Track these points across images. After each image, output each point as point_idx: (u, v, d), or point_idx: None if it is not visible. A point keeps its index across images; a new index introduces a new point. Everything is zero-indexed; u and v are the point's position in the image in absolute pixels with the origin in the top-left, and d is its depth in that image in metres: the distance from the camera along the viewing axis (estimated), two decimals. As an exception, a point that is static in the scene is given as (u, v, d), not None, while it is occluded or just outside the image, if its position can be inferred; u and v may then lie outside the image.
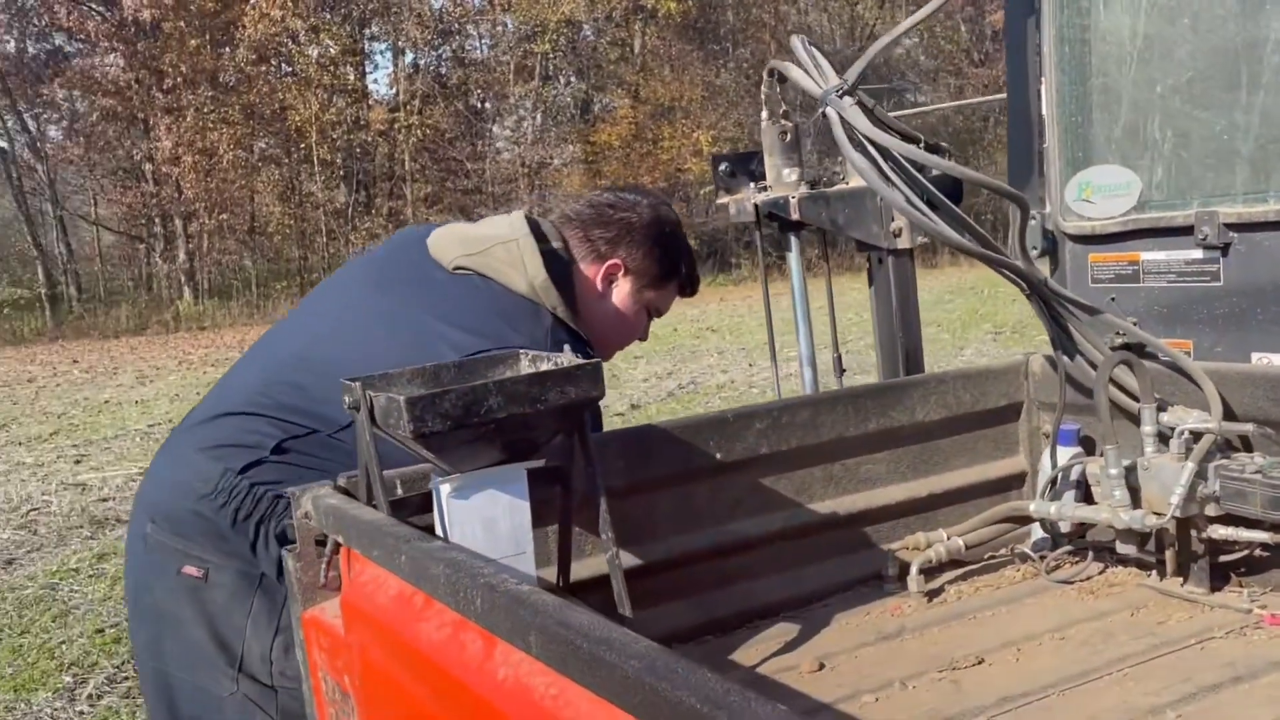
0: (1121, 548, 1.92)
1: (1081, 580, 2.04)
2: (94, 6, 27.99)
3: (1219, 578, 1.91)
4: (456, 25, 30.18)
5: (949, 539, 2.09)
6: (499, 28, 29.44)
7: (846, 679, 1.75)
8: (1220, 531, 1.83)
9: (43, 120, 30.57)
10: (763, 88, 2.38)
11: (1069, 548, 2.10)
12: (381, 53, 31.50)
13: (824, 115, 1.97)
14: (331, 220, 27.98)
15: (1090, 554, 2.08)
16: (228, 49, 27.50)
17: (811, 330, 2.55)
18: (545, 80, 28.57)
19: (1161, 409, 1.92)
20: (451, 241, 2.16)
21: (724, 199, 2.55)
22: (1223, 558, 1.90)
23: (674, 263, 2.32)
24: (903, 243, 2.29)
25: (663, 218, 2.31)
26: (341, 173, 28.39)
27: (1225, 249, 2.01)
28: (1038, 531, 2.16)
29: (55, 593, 5.50)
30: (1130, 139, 2.12)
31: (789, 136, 2.43)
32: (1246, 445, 1.87)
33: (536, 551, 1.80)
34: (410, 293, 2.11)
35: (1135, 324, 2.14)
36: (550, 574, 1.79)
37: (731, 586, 2.01)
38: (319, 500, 1.60)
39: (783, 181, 2.41)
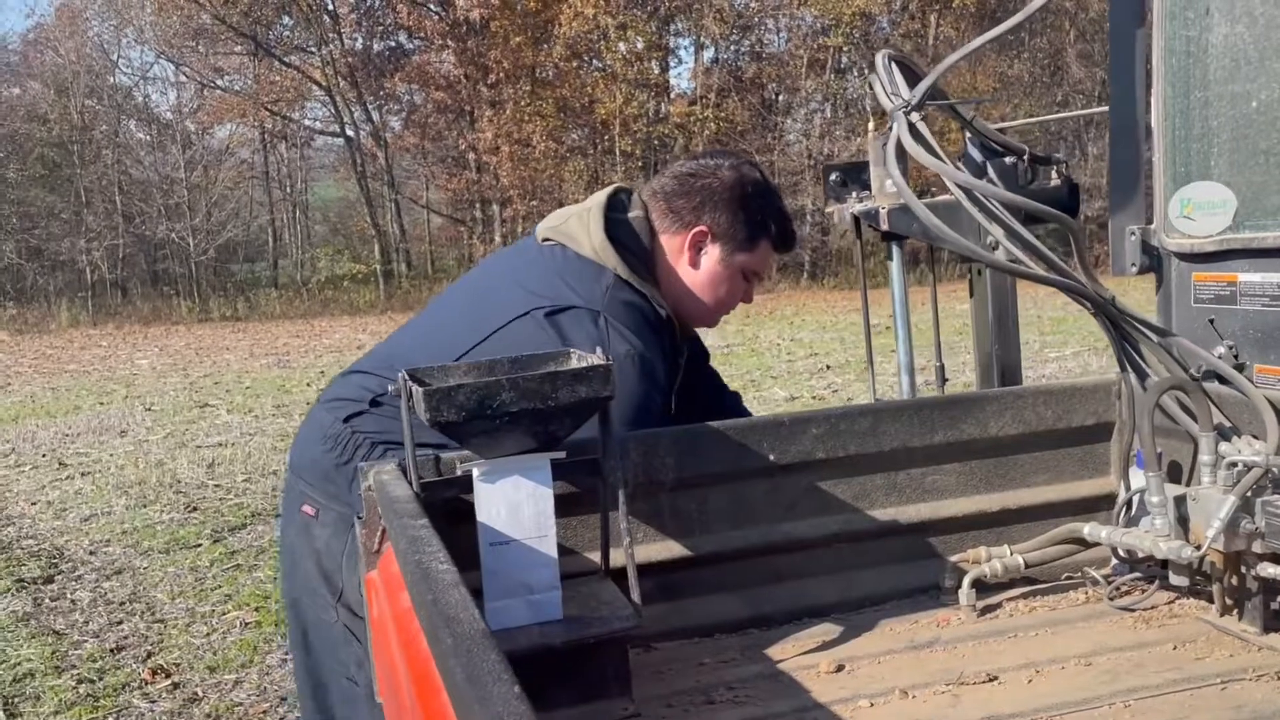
0: (1174, 578, 1.87)
1: (1145, 609, 1.99)
2: (431, 6, 30.25)
3: (1277, 617, 1.82)
4: (756, 20, 30.49)
5: (1010, 555, 2.08)
6: (796, 22, 29.48)
7: (856, 683, 1.81)
8: (1269, 570, 1.75)
9: (384, 111, 33.35)
10: (868, 100, 2.42)
11: (1137, 575, 2.05)
12: (685, 48, 32.17)
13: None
14: (629, 209, 28.99)
15: (1156, 583, 2.02)
16: (545, 45, 29.03)
17: (911, 338, 2.56)
18: (837, 73, 28.35)
19: (1225, 438, 1.85)
20: (550, 219, 2.39)
21: (831, 207, 2.60)
22: (1283, 598, 1.81)
23: (761, 221, 2.34)
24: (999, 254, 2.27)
25: (745, 177, 2.33)
26: (640, 164, 29.36)
27: (1317, 273, 1.90)
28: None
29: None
30: (1229, 155, 2.03)
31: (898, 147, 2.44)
32: (1315, 483, 1.77)
33: (583, 538, 1.99)
34: (505, 264, 2.37)
35: (1231, 347, 2.06)
36: (597, 558, 1.96)
37: (782, 584, 2.09)
38: (377, 475, 1.85)
39: (884, 192, 2.44)
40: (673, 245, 2.34)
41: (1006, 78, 28.25)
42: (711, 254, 2.34)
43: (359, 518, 1.86)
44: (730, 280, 2.37)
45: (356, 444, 2.19)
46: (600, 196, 2.32)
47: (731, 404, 2.65)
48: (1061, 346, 12.79)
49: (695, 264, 2.34)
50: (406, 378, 1.77)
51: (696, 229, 2.32)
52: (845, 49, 28.55)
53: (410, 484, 1.76)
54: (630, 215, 2.31)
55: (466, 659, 1.00)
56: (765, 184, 2.38)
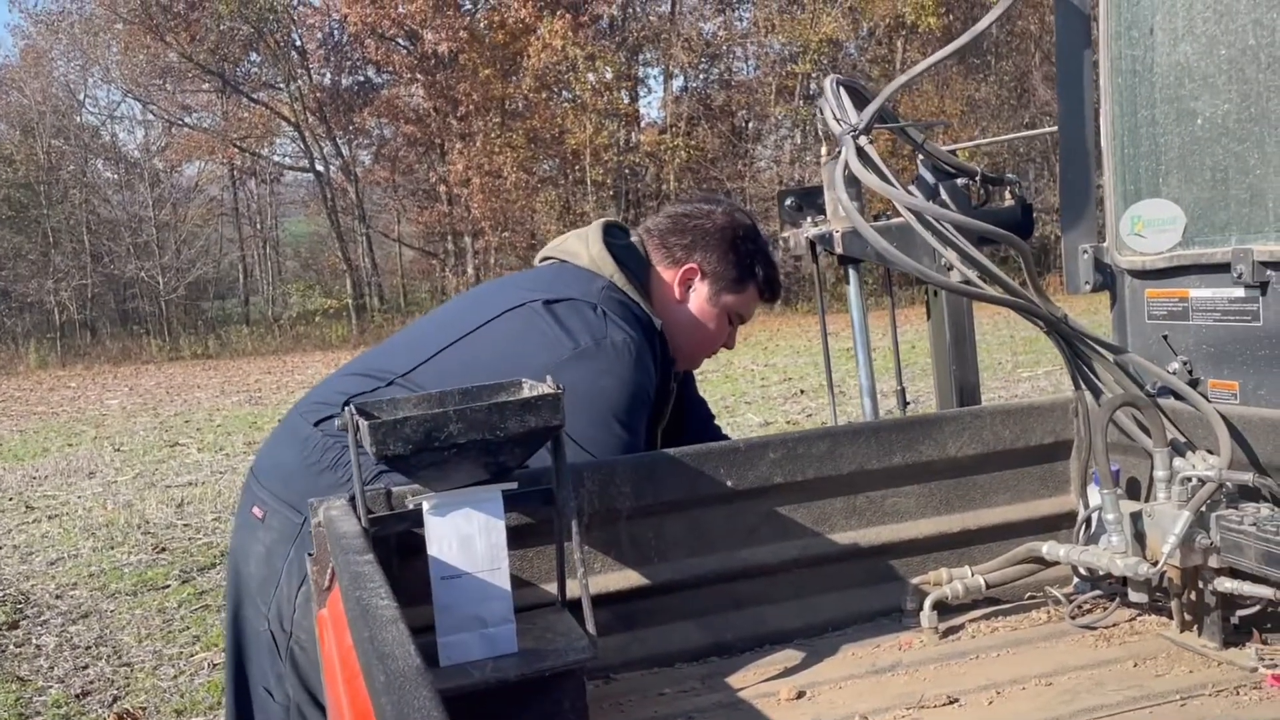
0: (1133, 595, 1.87)
1: (1106, 627, 1.98)
2: (399, 41, 30.33)
3: (1236, 632, 1.81)
4: (724, 48, 30.75)
5: (971, 576, 2.07)
6: (764, 49, 29.77)
7: (817, 709, 1.79)
8: (1226, 584, 1.75)
9: (354, 145, 33.37)
10: (818, 125, 2.43)
11: (1098, 593, 2.04)
12: (654, 77, 32.42)
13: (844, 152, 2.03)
14: (601, 238, 29.13)
15: (1117, 600, 2.01)
16: (514, 78, 29.13)
17: (871, 362, 2.56)
18: (806, 100, 28.60)
19: (1180, 454, 1.85)
20: (547, 246, 2.45)
21: (788, 232, 2.61)
22: (1241, 612, 1.81)
23: (749, 265, 2.40)
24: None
25: (737, 222, 2.42)
26: (611, 193, 29.45)
27: (1264, 287, 1.90)
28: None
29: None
30: (1177, 172, 2.04)
31: (847, 171, 2.45)
32: (1271, 497, 1.77)
33: (539, 569, 1.96)
34: (501, 280, 2.45)
35: (1185, 363, 2.06)
36: (553, 589, 1.93)
37: (742, 611, 2.08)
38: (326, 510, 1.82)
39: (838, 215, 2.45)
40: (664, 280, 2.39)
41: (974, 100, 28.59)
42: (700, 291, 2.39)
43: (309, 555, 1.83)
44: (716, 320, 2.42)
45: (326, 446, 2.16)
46: (599, 222, 2.39)
47: (717, 437, 2.65)
48: (1034, 366, 12.87)
49: (684, 300, 2.39)
50: (353, 411, 1.75)
51: (687, 266, 2.38)
52: (814, 75, 28.81)
53: (359, 519, 1.73)
54: (629, 240, 2.37)
55: (398, 696, 0.98)
56: (755, 231, 2.45)
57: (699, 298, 2.39)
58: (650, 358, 2.22)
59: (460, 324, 2.25)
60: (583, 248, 2.33)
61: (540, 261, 2.44)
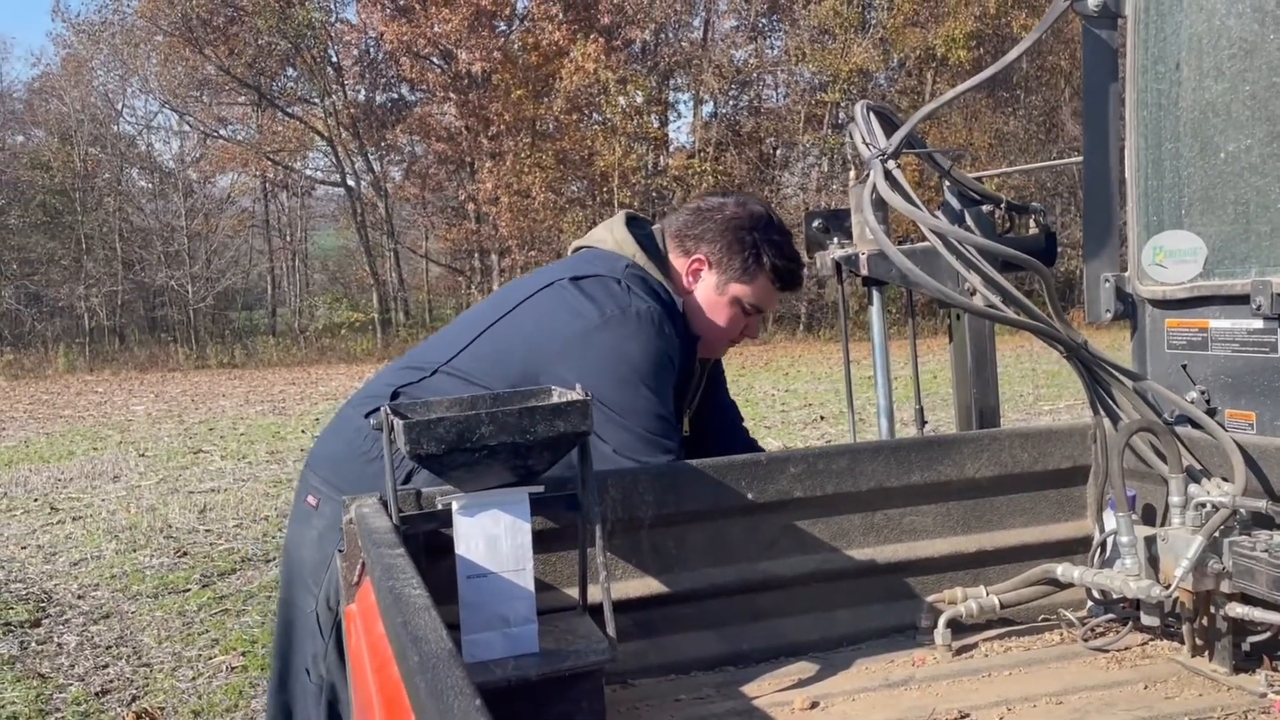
0: (1145, 619, 1.89)
1: (1118, 650, 2.01)
2: (434, 59, 30.61)
3: (1248, 658, 1.84)
4: (754, 75, 30.89)
5: (986, 595, 2.10)
6: (794, 78, 29.89)
7: (828, 719, 1.83)
8: (1238, 610, 1.77)
9: (385, 161, 33.65)
10: (848, 149, 2.48)
11: (1111, 616, 2.07)
12: (684, 102, 32.59)
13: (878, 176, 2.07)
14: (626, 259, 29.28)
15: (1130, 624, 2.03)
16: (546, 99, 29.35)
17: (890, 383, 2.60)
18: (834, 128, 28.68)
19: (1196, 480, 1.88)
20: (580, 239, 2.55)
21: (814, 254, 2.65)
22: (1252, 638, 1.83)
23: (756, 254, 2.42)
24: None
25: (749, 213, 2.46)
26: (638, 215, 29.61)
27: (1282, 319, 1.94)
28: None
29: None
30: (1200, 205, 2.08)
31: (875, 195, 2.50)
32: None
33: (562, 573, 2.01)
34: (539, 270, 2.51)
35: (1203, 392, 2.09)
36: (575, 593, 1.97)
37: (759, 622, 2.11)
38: (358, 508, 1.87)
39: (864, 238, 2.49)
40: (677, 271, 2.45)
41: (1002, 134, 28.59)
42: (707, 282, 2.44)
43: (339, 550, 1.88)
44: (725, 310, 2.46)
45: (375, 437, 2.22)
46: (621, 213, 2.49)
47: (744, 440, 2.72)
48: (1055, 400, 12.84)
49: (693, 290, 2.45)
50: (389, 411, 1.80)
51: (695, 256, 2.44)
52: (843, 104, 28.89)
53: (390, 517, 1.78)
54: (649, 230, 2.46)
55: (431, 676, 1.02)
56: (768, 220, 2.47)
57: (706, 287, 2.44)
58: (673, 328, 2.28)
59: (495, 310, 2.35)
60: (608, 234, 2.43)
61: (572, 252, 2.54)
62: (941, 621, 2.06)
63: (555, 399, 1.88)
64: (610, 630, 1.79)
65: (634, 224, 2.47)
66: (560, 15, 28.74)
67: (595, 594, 1.92)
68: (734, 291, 2.44)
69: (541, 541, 1.89)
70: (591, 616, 1.89)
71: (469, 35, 28.50)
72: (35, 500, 9.32)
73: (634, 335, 2.19)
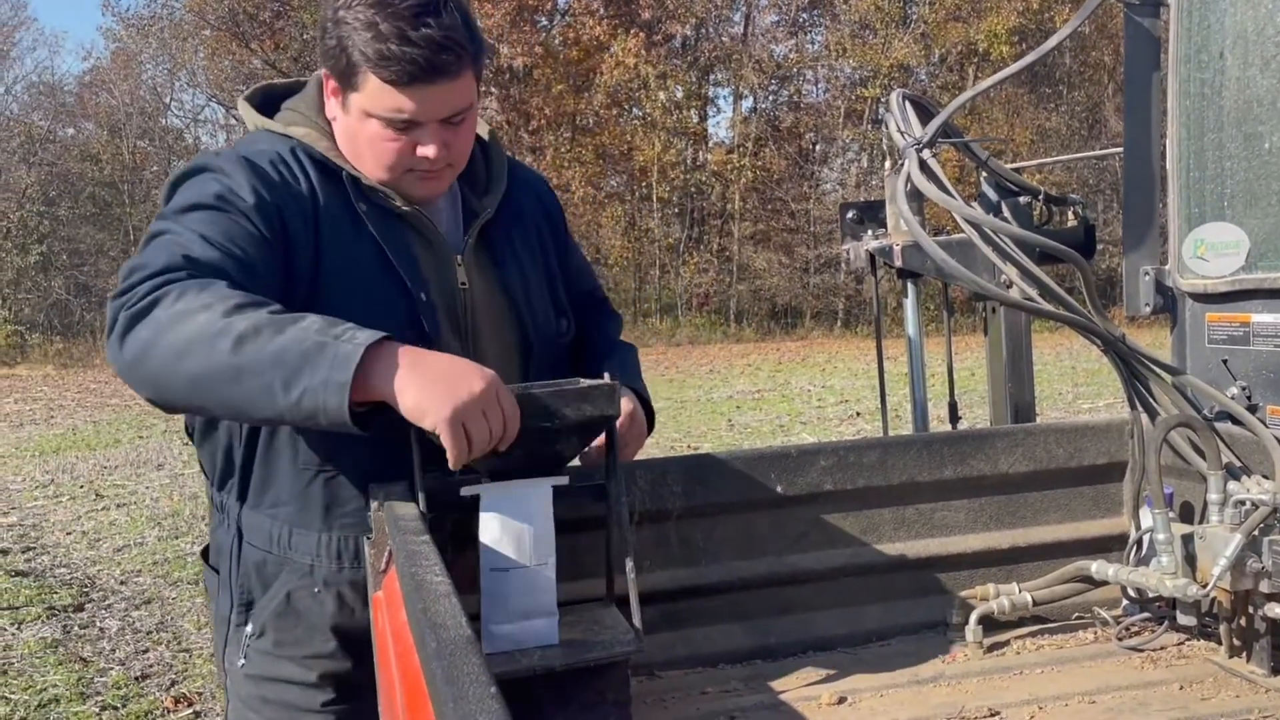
0: (1182, 618, 1.86)
1: (1153, 649, 1.97)
2: (476, 54, 30.62)
3: (1288, 659, 1.80)
4: (794, 70, 30.74)
5: (1019, 592, 2.07)
6: (834, 73, 29.72)
7: (857, 715, 1.81)
8: (1276, 610, 1.73)
9: (427, 156, 33.70)
10: (884, 139, 2.45)
11: (1147, 615, 2.03)
12: (724, 97, 32.46)
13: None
14: (665, 255, 29.21)
15: (1166, 623, 2.00)
16: (586, 94, 29.38)
17: (924, 375, 2.57)
18: (874, 124, 28.47)
19: (1235, 477, 1.84)
20: None
21: (848, 244, 2.62)
22: (1293, 639, 1.79)
23: (342, 49, 1.83)
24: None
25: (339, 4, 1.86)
26: (677, 210, 29.54)
27: (1327, 314, 1.89)
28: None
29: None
30: (1242, 197, 2.04)
31: (909, 185, 2.46)
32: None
33: (588, 564, 2.00)
34: None
35: (1244, 388, 2.05)
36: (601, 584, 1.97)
37: (788, 616, 2.10)
38: (386, 496, 1.87)
39: (899, 229, 2.46)
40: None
41: (1044, 129, 28.26)
42: (331, 104, 1.96)
43: (367, 538, 1.88)
44: (363, 130, 1.90)
45: None
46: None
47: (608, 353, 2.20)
48: (1095, 398, 12.67)
49: (336, 119, 1.97)
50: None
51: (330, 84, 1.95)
52: (883, 100, 28.66)
53: (418, 504, 1.79)
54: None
55: (448, 662, 1.02)
56: (359, 8, 1.82)
57: (336, 109, 1.94)
58: (264, 189, 1.83)
59: None
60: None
61: None
62: (973, 618, 2.03)
63: (583, 384, 1.87)
64: (636, 621, 1.78)
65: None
66: (601, 10, 28.74)
67: (622, 584, 1.92)
68: (358, 104, 1.87)
69: (569, 531, 1.88)
70: (618, 607, 1.89)
71: (510, 30, 28.55)
72: (81, 487, 9.46)
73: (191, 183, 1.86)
